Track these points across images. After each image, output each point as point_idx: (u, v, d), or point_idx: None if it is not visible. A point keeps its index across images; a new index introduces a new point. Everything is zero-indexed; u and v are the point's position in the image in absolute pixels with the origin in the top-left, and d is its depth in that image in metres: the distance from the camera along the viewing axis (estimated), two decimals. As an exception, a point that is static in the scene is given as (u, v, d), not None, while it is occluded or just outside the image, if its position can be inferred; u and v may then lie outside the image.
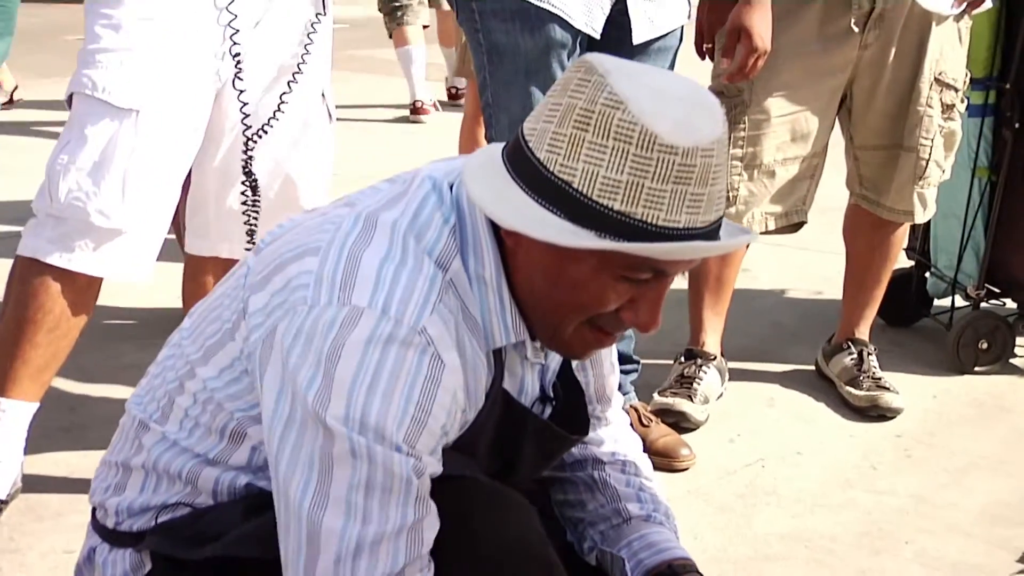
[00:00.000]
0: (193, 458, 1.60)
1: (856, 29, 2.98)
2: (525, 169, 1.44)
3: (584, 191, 1.40)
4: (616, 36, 2.59)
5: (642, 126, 1.38)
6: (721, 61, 2.85)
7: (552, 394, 1.71)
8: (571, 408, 1.72)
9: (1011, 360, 3.48)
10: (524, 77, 2.59)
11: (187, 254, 2.67)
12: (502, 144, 1.53)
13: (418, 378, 1.43)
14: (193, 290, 2.61)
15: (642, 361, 3.02)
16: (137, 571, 1.65)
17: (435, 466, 1.48)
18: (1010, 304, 3.54)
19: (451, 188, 1.53)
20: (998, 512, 2.73)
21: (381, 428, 1.41)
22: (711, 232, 1.44)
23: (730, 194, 3.01)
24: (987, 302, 3.53)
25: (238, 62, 2.38)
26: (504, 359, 1.58)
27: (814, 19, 2.96)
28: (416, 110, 6.67)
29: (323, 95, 2.55)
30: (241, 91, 2.40)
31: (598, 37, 2.62)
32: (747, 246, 3.16)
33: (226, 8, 2.37)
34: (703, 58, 3.08)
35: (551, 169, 1.41)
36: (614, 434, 1.86)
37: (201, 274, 2.60)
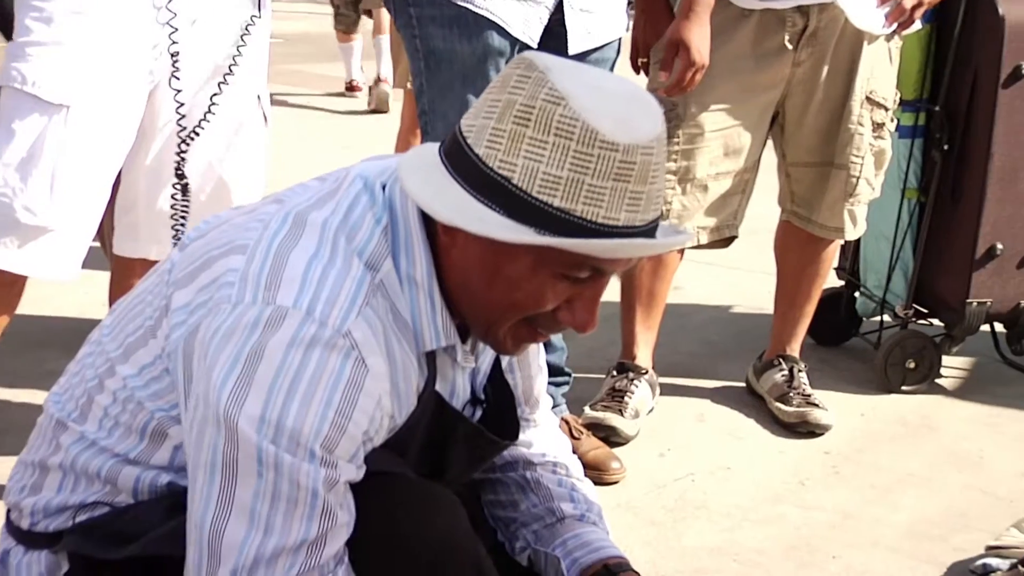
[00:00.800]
0: (112, 457, 1.57)
1: (790, 46, 3.00)
2: (464, 165, 1.42)
3: (524, 187, 1.38)
4: (553, 46, 2.59)
5: (584, 122, 1.37)
6: (659, 74, 2.86)
7: (483, 396, 1.69)
8: (502, 412, 1.71)
9: (937, 380, 3.51)
10: (461, 84, 2.58)
11: (115, 256, 2.62)
12: (438, 143, 1.51)
13: (340, 382, 1.40)
14: (121, 293, 2.55)
15: (574, 375, 3.02)
16: (53, 573, 1.61)
17: (353, 473, 1.45)
18: (937, 324, 3.58)
19: (383, 188, 1.51)
20: (923, 528, 2.75)
21: (297, 433, 1.39)
22: (649, 231, 1.43)
23: (664, 207, 3.01)
24: (915, 322, 3.56)
25: (175, 61, 2.34)
26: (436, 362, 1.56)
27: (749, 36, 2.99)
28: (351, 87, 8.11)
29: (258, 98, 2.52)
30: (177, 91, 2.36)
31: (535, 46, 2.62)
32: (680, 258, 3.18)
33: (165, 7, 2.33)
34: (638, 72, 3.09)
35: (490, 165, 1.40)
36: (543, 436, 1.85)
37: (129, 277, 2.55)
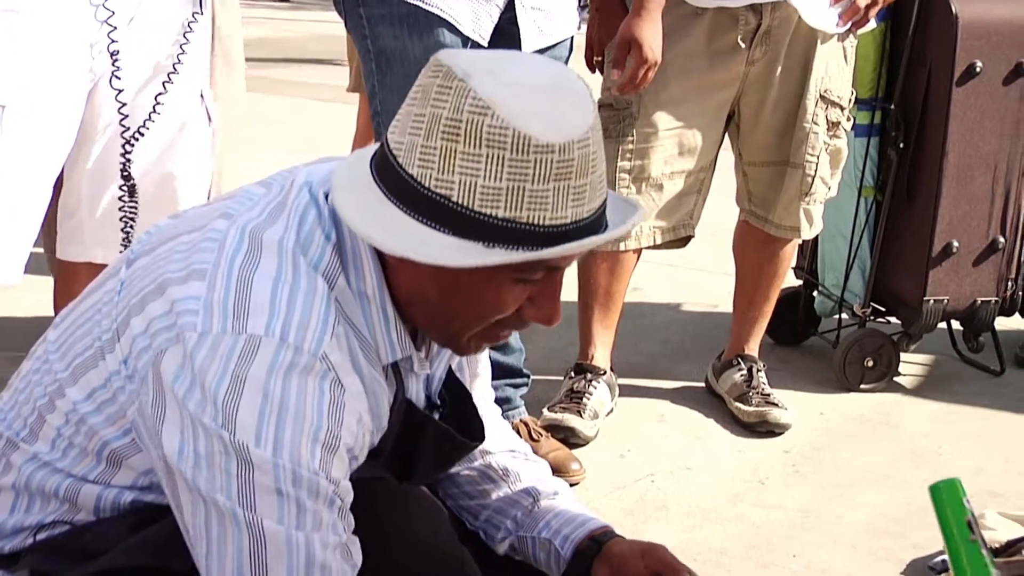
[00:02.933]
0: (69, 477, 1.53)
1: (743, 45, 3.00)
2: (398, 187, 1.39)
3: (465, 203, 1.36)
4: (504, 45, 2.58)
5: (514, 129, 1.34)
6: (612, 73, 2.85)
7: (440, 401, 1.68)
8: (464, 414, 1.69)
9: (896, 378, 3.52)
10: (413, 83, 2.56)
11: (59, 260, 2.57)
12: (370, 152, 1.48)
13: (323, 405, 1.39)
14: (66, 299, 2.50)
15: (533, 377, 3.00)
16: None
17: (350, 492, 1.45)
18: (895, 322, 3.59)
19: (327, 198, 1.47)
20: (882, 525, 2.76)
21: (296, 459, 1.37)
22: (599, 218, 1.41)
23: None
24: (873, 320, 3.57)
25: (115, 59, 2.29)
26: (400, 371, 1.55)
27: (702, 34, 2.98)
28: None
29: (202, 96, 2.49)
30: (119, 90, 2.32)
31: (485, 45, 2.61)
32: (637, 257, 3.17)
33: (102, 5, 2.29)
34: (593, 71, 3.08)
35: (426, 185, 1.37)
36: (492, 425, 1.83)
37: (74, 281, 2.50)
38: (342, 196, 1.42)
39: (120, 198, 2.41)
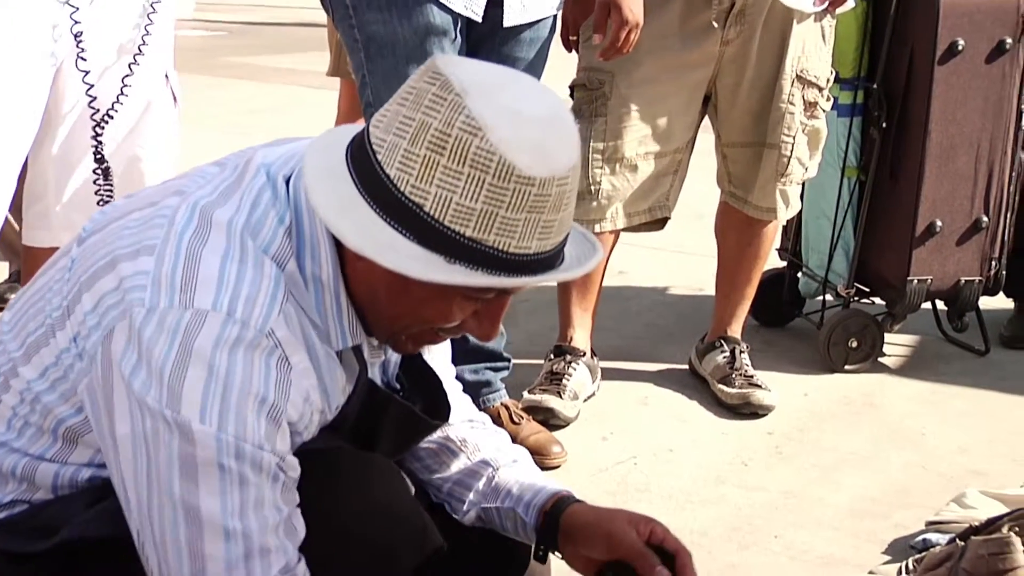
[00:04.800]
0: (25, 456, 1.53)
1: (716, 25, 2.98)
2: (373, 184, 1.39)
3: (436, 216, 1.36)
4: (490, 15, 2.56)
5: (500, 156, 1.34)
6: (593, 38, 2.80)
7: (398, 385, 1.68)
8: (428, 394, 1.69)
9: (880, 358, 3.51)
10: (405, 68, 2.52)
11: (25, 247, 2.55)
12: (345, 137, 1.47)
13: (269, 380, 1.39)
14: None
15: (515, 361, 3.00)
16: None
17: (296, 467, 1.45)
18: (879, 303, 3.58)
19: (287, 182, 1.47)
20: (865, 507, 2.75)
21: (241, 433, 1.37)
22: (558, 252, 1.43)
23: (592, 187, 3.00)
24: (857, 301, 3.56)
25: (79, 41, 2.27)
26: (362, 354, 1.55)
27: (675, 14, 2.96)
28: None
29: (166, 77, 2.47)
30: (85, 72, 2.30)
31: (480, 20, 2.58)
32: (615, 239, 3.15)
33: None
34: (569, 50, 3.06)
35: (402, 189, 1.37)
36: (452, 398, 1.81)
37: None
38: (315, 183, 1.41)
39: (95, 181, 2.39)
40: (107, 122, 2.34)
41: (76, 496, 1.52)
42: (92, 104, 2.33)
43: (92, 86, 2.32)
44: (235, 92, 7.57)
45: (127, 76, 2.35)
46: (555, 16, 2.79)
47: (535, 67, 2.72)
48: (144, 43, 2.35)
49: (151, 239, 1.43)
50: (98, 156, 2.36)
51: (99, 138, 2.35)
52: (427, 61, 1.40)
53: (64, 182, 2.41)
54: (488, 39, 2.67)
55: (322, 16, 3.03)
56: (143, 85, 2.39)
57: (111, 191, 2.40)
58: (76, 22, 2.26)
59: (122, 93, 2.35)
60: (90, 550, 1.49)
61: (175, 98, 2.49)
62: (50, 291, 1.51)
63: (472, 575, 1.76)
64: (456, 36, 2.59)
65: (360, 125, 1.49)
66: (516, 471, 1.75)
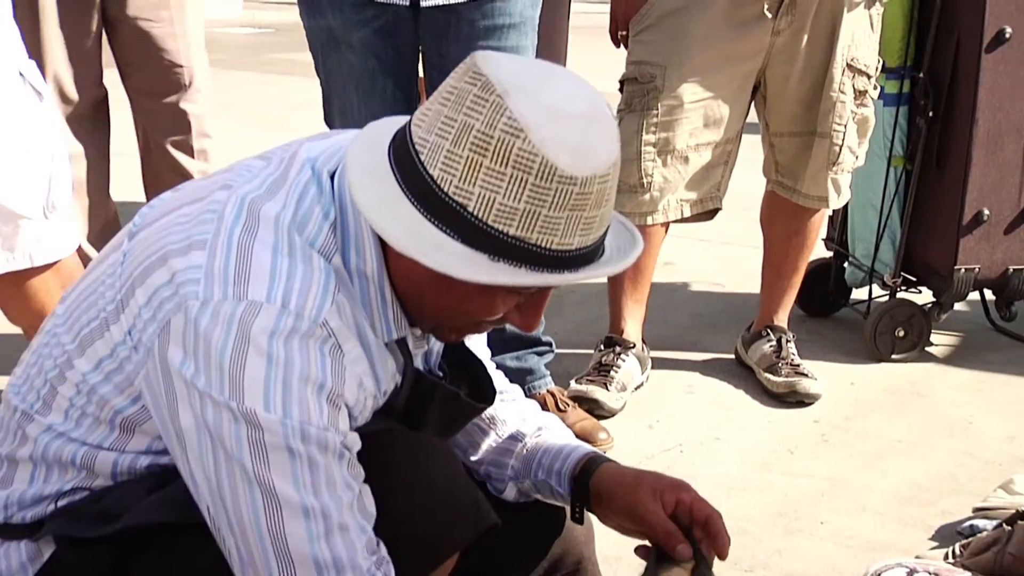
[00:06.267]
0: (84, 445, 1.56)
1: (768, 15, 2.99)
2: (417, 184, 1.41)
3: (480, 216, 1.38)
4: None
5: (543, 157, 1.36)
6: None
7: (441, 373, 1.71)
8: (472, 378, 1.72)
9: (927, 348, 3.51)
10: (331, 60, 2.74)
11: None
12: (386, 133, 1.49)
13: (325, 368, 1.42)
14: None
15: (562, 351, 3.02)
16: (35, 560, 1.60)
17: (357, 442, 1.48)
18: (926, 292, 3.58)
19: (331, 177, 1.50)
20: (911, 493, 2.76)
21: (305, 418, 1.40)
22: (599, 246, 1.45)
23: (644, 180, 3.01)
24: (904, 290, 3.56)
25: None
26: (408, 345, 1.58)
27: (726, 4, 2.98)
28: None
29: (21, 75, 2.23)
30: None
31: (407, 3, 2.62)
32: (665, 231, 3.17)
33: None
34: (617, 46, 3.08)
35: (445, 190, 1.39)
36: None
37: None
38: (358, 181, 1.44)
39: None
40: None
41: (137, 483, 1.56)
42: None
43: None
44: (281, 87, 7.64)
45: None
46: (524, 16, 2.66)
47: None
48: None
49: (202, 234, 1.46)
50: None
51: None
52: (467, 59, 1.42)
53: None
54: (445, 30, 2.65)
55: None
56: None
57: None
58: None
59: None
60: (152, 535, 1.53)
61: (40, 94, 2.27)
62: (103, 285, 1.54)
63: (510, 538, 1.76)
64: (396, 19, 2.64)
65: (401, 119, 1.51)
66: (543, 439, 1.78)
